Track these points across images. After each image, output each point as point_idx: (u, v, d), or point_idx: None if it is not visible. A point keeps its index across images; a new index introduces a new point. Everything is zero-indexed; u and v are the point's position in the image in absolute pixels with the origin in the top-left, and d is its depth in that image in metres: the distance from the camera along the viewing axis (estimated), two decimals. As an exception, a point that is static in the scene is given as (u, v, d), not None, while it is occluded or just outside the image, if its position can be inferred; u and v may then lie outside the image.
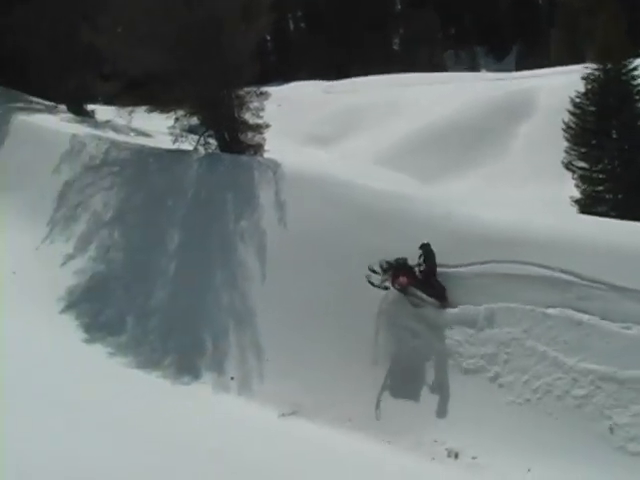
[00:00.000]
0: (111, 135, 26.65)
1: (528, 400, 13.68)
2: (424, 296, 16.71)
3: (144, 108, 26.56)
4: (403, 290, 16.85)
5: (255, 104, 24.07)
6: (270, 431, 14.53)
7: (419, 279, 16.72)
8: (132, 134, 28.68)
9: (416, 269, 16.66)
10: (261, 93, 24.31)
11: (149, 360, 17.17)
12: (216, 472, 10.53)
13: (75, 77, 31.10)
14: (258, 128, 24.14)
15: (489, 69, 55.49)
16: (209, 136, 24.18)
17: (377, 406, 15.03)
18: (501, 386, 14.13)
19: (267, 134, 24.37)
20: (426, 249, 16.57)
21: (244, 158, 22.53)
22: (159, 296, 18.64)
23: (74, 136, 25.46)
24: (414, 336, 15.84)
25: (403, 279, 16.52)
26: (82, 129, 26.86)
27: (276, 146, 24.00)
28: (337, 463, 12.87)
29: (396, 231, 17.38)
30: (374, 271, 16.55)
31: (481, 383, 14.37)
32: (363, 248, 17.21)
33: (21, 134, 27.02)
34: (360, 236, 17.67)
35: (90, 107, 34.03)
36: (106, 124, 30.07)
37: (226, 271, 18.67)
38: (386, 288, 16.83)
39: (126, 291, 18.93)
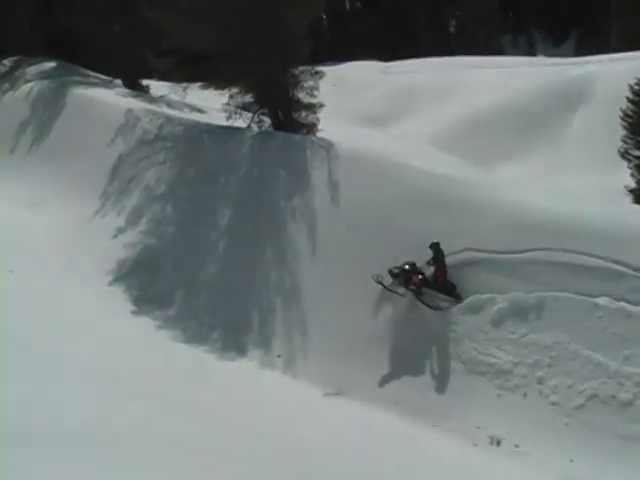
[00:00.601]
0: (165, 110, 26.74)
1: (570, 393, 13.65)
2: (438, 295, 16.82)
3: (198, 84, 26.65)
4: (417, 291, 16.91)
5: (310, 83, 23.94)
6: (314, 410, 14.55)
7: (430, 280, 16.87)
8: (186, 110, 28.77)
9: (425, 270, 16.83)
10: (316, 72, 24.18)
11: (196, 334, 17.27)
12: (255, 447, 10.54)
13: (132, 52, 31.32)
14: (312, 107, 24.04)
15: (547, 54, 54.40)
16: (263, 114, 24.17)
17: (423, 390, 14.97)
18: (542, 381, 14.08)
19: (321, 114, 24.25)
20: (436, 249, 16.75)
21: (297, 137, 22.46)
22: (208, 271, 18.71)
23: (129, 111, 25.62)
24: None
25: (416, 278, 16.74)
26: (137, 104, 26.99)
27: (330, 126, 23.84)
28: (379, 444, 12.83)
29: (448, 214, 17.25)
30: (381, 283, 16.70)
31: (528, 375, 14.27)
32: (414, 230, 17.15)
33: (78, 108, 27.25)
34: (412, 218, 17.57)
35: (145, 82, 34.23)
36: (161, 99, 30.21)
37: (275, 248, 18.68)
38: (397, 293, 16.95)
39: (176, 265, 19.02)
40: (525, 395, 14.04)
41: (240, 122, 23.96)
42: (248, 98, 24.56)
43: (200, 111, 28.79)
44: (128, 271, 19.50)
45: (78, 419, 8.07)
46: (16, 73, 33.04)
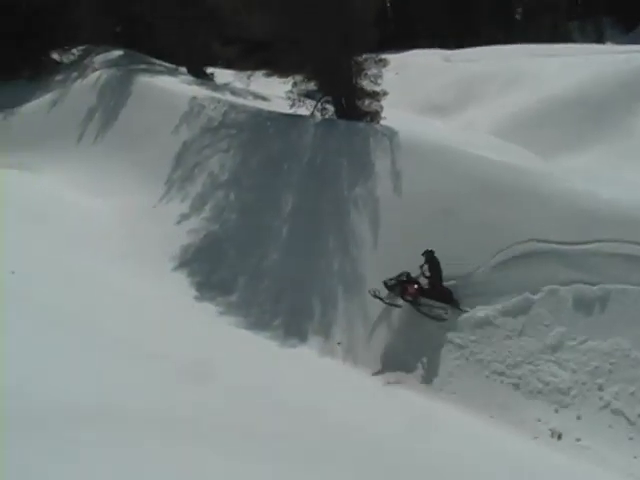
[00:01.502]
0: (229, 98, 26.88)
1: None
2: (435, 303, 16.78)
3: (262, 72, 26.76)
4: (414, 301, 16.90)
5: (373, 71, 23.85)
6: (373, 398, 14.55)
7: (426, 288, 16.93)
8: (250, 98, 28.88)
9: (421, 278, 16.94)
10: (379, 60, 24.07)
11: (258, 321, 17.38)
12: (314, 431, 10.57)
13: (197, 40, 31.55)
14: (375, 95, 23.96)
15: (617, 41, 53.11)
16: (326, 102, 24.16)
17: (482, 381, 14.87)
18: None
19: (384, 102, 24.15)
20: (429, 256, 16.79)
21: (360, 125, 22.41)
22: (271, 258, 18.79)
23: (194, 98, 25.83)
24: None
25: (412, 289, 16.77)
26: (201, 91, 27.18)
27: (393, 114, 23.74)
28: (438, 432, 12.77)
29: (512, 204, 17.10)
30: (376, 296, 16.70)
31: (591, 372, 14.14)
32: (478, 220, 17.04)
33: (143, 95, 27.57)
34: (475, 208, 17.45)
35: (210, 70, 34.47)
36: (225, 87, 30.38)
37: (338, 237, 18.68)
38: (396, 305, 17.04)
39: (238, 252, 19.15)
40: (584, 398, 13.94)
41: (303, 110, 24.00)
42: (312, 86, 24.57)
43: (264, 99, 28.89)
44: (191, 257, 19.69)
45: (141, 401, 8.18)
46: (84, 62, 33.56)
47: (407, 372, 15.57)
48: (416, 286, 16.83)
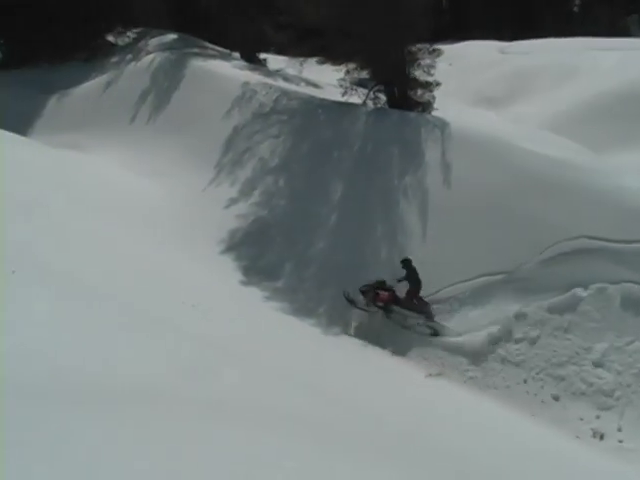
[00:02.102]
0: (281, 84, 26.92)
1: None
2: (409, 313, 17.01)
3: (315, 59, 26.74)
4: (386, 308, 17.18)
5: (427, 61, 23.76)
6: (415, 389, 14.53)
7: (401, 298, 17.13)
8: (302, 84, 28.89)
9: (396, 288, 17.02)
10: (433, 50, 23.96)
11: (303, 307, 17.41)
12: (354, 423, 10.55)
13: (251, 25, 31.63)
14: (428, 86, 23.85)
15: (676, 36, 52.17)
16: (378, 91, 24.12)
17: (525, 378, 14.77)
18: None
19: (436, 92, 24.03)
20: (407, 265, 16.98)
21: (412, 115, 22.31)
22: (318, 245, 18.81)
23: (246, 83, 25.90)
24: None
25: (384, 295, 17.03)
26: (254, 77, 27.24)
27: (445, 105, 23.61)
28: (478, 427, 12.72)
29: (562, 200, 16.96)
30: (350, 300, 17.15)
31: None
32: (527, 214, 16.96)
33: (196, 79, 27.72)
34: (524, 202, 17.36)
35: (263, 56, 34.55)
36: (277, 73, 30.43)
37: (386, 226, 18.66)
38: (369, 310, 17.33)
39: (286, 238, 19.19)
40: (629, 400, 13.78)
41: (355, 98, 23.98)
42: (364, 74, 24.52)
43: (316, 86, 28.88)
44: (239, 241, 19.76)
45: (179, 382, 8.23)
46: (139, 45, 33.84)
47: (449, 365, 15.50)
48: (387, 293, 17.03)
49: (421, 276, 16.83)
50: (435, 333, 16.48)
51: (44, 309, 8.87)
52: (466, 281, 16.80)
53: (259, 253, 19.17)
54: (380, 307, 17.21)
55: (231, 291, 17.54)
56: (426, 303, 16.89)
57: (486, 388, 14.80)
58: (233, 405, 8.06)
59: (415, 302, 16.98)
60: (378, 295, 17.09)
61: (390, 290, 17.09)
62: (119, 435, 5.64)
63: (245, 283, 18.27)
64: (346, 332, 16.87)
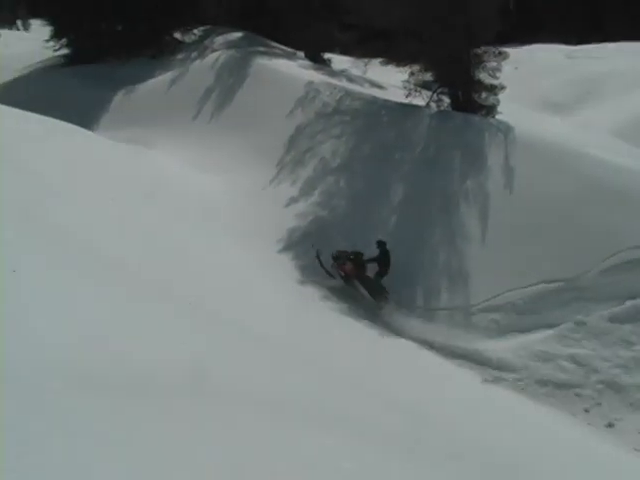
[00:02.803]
0: (345, 84, 26.91)
1: None
2: (365, 292, 17.84)
3: (379, 60, 26.71)
4: (346, 279, 18.01)
5: (492, 64, 23.52)
6: (470, 394, 14.38)
7: (366, 276, 17.83)
8: (366, 85, 28.85)
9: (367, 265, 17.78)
10: (499, 53, 23.71)
11: (359, 308, 17.44)
12: (409, 426, 10.48)
13: (316, 25, 31.70)
14: (493, 89, 23.60)
15: None
16: (442, 93, 23.97)
17: (584, 387, 14.54)
18: None
19: (501, 96, 23.80)
20: (381, 247, 17.63)
21: (476, 118, 22.14)
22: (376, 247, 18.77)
23: (309, 83, 25.96)
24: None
25: (348, 267, 17.78)
26: (318, 76, 27.30)
27: (509, 109, 23.36)
28: (534, 439, 12.52)
29: (628, 209, 16.70)
30: (318, 257, 18.21)
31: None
32: (590, 222, 16.75)
33: (260, 77, 27.87)
34: (587, 209, 17.16)
35: (327, 56, 34.60)
36: (341, 73, 30.45)
37: (445, 229, 18.54)
38: (330, 274, 18.28)
39: (345, 238, 19.13)
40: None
41: (419, 100, 23.87)
42: (428, 76, 24.41)
43: (379, 87, 28.81)
44: (298, 240, 19.76)
45: (238, 380, 8.25)
46: (205, 42, 34.20)
47: (507, 370, 15.33)
48: (352, 267, 17.78)
49: (473, 280, 16.74)
50: (380, 307, 17.43)
51: (103, 299, 8.97)
52: (524, 287, 16.62)
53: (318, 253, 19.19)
54: (341, 276, 18.09)
55: (289, 290, 17.57)
56: (385, 289, 17.65)
57: (543, 397, 14.59)
58: (291, 405, 8.05)
59: (376, 283, 17.73)
60: (344, 265, 17.88)
61: (361, 264, 17.79)
62: (188, 430, 5.66)
63: (303, 282, 18.29)
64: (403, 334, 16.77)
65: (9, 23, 71.59)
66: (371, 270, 17.90)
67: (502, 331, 16.21)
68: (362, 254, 17.80)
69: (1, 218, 10.07)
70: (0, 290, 7.35)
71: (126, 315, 8.68)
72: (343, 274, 17.98)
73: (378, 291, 17.70)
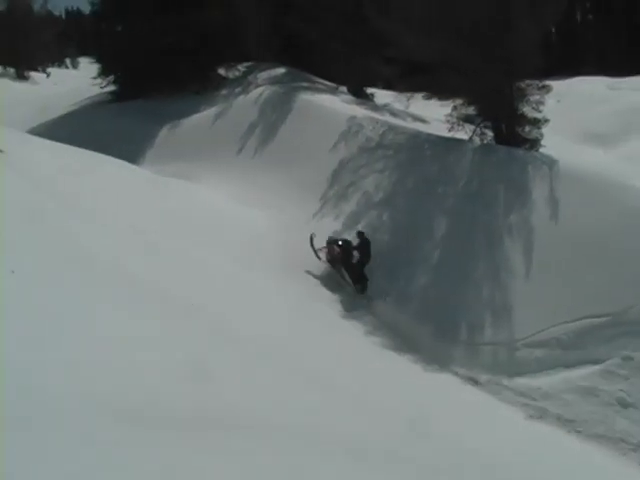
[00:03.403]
0: (388, 119, 27.08)
1: None
2: (346, 276, 19.66)
3: (422, 94, 26.83)
4: (332, 262, 19.80)
5: (535, 97, 23.53)
6: (515, 431, 14.22)
7: (352, 263, 19.41)
8: (408, 119, 29.03)
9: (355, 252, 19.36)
10: (542, 86, 23.70)
11: (403, 342, 17.31)
12: (437, 456, 10.39)
13: (358, 60, 31.97)
14: (536, 122, 23.59)
15: None
16: (485, 127, 24.00)
17: (625, 421, 14.30)
18: None
19: (544, 129, 23.75)
20: (360, 237, 19.35)
21: (519, 151, 22.10)
22: (419, 281, 18.70)
23: (352, 117, 26.15)
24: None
25: (336, 250, 19.55)
26: (361, 111, 27.50)
27: (552, 141, 23.31)
28: (582, 476, 12.36)
29: (676, 242, 16.49)
30: (311, 240, 19.95)
31: None
32: (637, 255, 16.49)
33: (303, 112, 28.14)
34: (634, 242, 16.92)
35: (370, 90, 34.84)
36: (384, 107, 30.64)
37: (489, 264, 18.43)
38: (317, 256, 20.01)
39: (388, 273, 19.14)
40: None
41: (462, 134, 23.92)
42: (471, 110, 24.47)
43: (422, 121, 28.93)
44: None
45: (280, 414, 8.25)
46: (248, 78, 34.70)
47: (552, 406, 15.13)
48: (339, 251, 19.55)
49: (517, 314, 16.64)
50: (361, 291, 19.22)
51: (144, 327, 9.02)
52: (569, 322, 16.42)
53: (361, 287, 19.21)
54: (328, 260, 19.88)
55: (332, 323, 17.59)
56: (366, 278, 19.18)
57: (589, 433, 14.36)
58: (337, 439, 8.05)
59: (359, 271, 19.31)
60: (332, 249, 19.70)
61: (349, 252, 19.40)
62: (234, 469, 5.64)
63: (346, 316, 18.30)
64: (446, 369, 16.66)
65: (58, 61, 73.39)
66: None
67: (547, 367, 15.97)
68: (351, 242, 19.52)
69: (44, 247, 10.19)
70: (37, 313, 7.40)
71: (161, 346, 8.72)
72: (330, 257, 19.78)
73: (359, 278, 19.27)
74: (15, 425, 4.86)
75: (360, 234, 19.36)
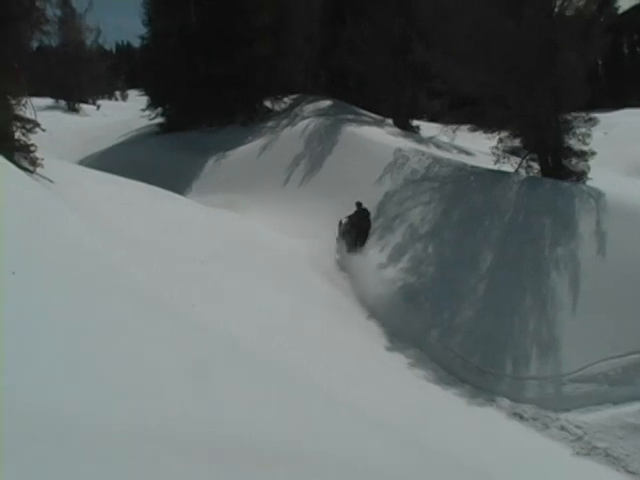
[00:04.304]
0: (434, 151, 27.13)
1: None
2: (344, 241, 22.87)
3: (467, 127, 26.84)
4: (343, 235, 23.08)
5: (582, 130, 23.39)
6: (562, 468, 14.02)
7: (355, 230, 22.69)
8: (454, 151, 29.04)
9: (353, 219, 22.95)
10: (589, 119, 23.57)
11: (447, 376, 17.22)
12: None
13: (404, 93, 32.13)
14: (583, 155, 23.42)
15: None
16: (531, 159, 23.92)
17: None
18: None
19: (591, 161, 23.59)
20: (359, 208, 22.90)
21: (565, 184, 21.94)
22: (465, 314, 18.61)
23: (398, 150, 26.25)
24: None
25: (344, 223, 23.09)
26: (406, 143, 27.60)
27: (600, 174, 23.12)
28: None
29: None
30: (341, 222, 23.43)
31: None
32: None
33: (349, 145, 28.33)
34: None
35: (415, 123, 34.93)
36: (429, 140, 30.69)
37: (535, 297, 18.26)
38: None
39: (433, 305, 19.11)
40: None
41: (508, 166, 23.87)
42: (517, 143, 24.42)
43: (468, 153, 28.92)
44: (386, 307, 19.81)
45: (322, 448, 8.21)
46: (294, 110, 35.03)
47: (599, 443, 14.90)
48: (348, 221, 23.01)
49: (564, 348, 16.49)
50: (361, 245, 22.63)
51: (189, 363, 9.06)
52: (617, 357, 16.21)
53: (405, 319, 19.14)
54: (342, 235, 23.15)
55: (376, 356, 17.57)
56: (365, 238, 22.81)
57: (638, 471, 14.13)
58: (386, 473, 8.01)
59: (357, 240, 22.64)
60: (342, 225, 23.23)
61: (351, 221, 23.03)
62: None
63: (390, 349, 18.28)
64: (492, 403, 16.51)
65: (108, 94, 74.95)
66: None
67: (594, 402, 15.75)
68: (352, 215, 23.04)
69: (83, 275, 10.29)
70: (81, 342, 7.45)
71: (210, 379, 8.74)
72: (343, 231, 23.13)
73: (354, 246, 22.47)
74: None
75: (358, 204, 22.92)
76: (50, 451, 4.86)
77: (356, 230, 22.62)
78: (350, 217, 22.97)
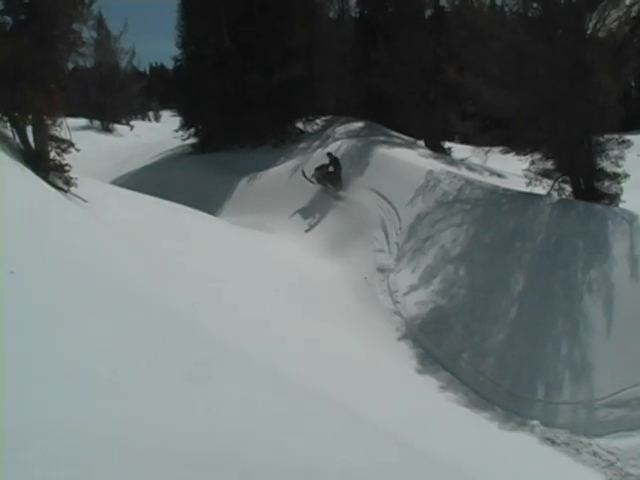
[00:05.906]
0: (465, 173, 27.10)
1: None
2: (328, 185, 27.93)
3: (499, 149, 26.80)
4: (320, 180, 28.12)
5: (615, 152, 23.27)
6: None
7: (330, 173, 28.06)
8: (486, 174, 29.00)
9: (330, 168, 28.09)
10: (622, 141, 23.44)
11: (479, 400, 17.08)
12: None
13: (436, 115, 32.18)
14: (616, 177, 23.29)
15: None
16: (563, 181, 23.81)
17: None
18: None
19: (624, 184, 23.44)
20: (330, 157, 28.60)
21: (598, 207, 21.79)
22: (496, 338, 18.48)
23: (430, 172, 26.24)
24: None
25: (323, 169, 28.15)
26: (438, 165, 27.60)
27: (632, 196, 22.94)
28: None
29: None
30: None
31: None
32: None
33: (380, 166, 28.36)
34: None
35: (447, 145, 34.95)
36: (461, 162, 30.67)
37: (568, 321, 18.11)
38: (311, 181, 28.49)
39: (464, 328, 19.01)
40: None
41: (540, 189, 23.78)
42: (549, 165, 24.33)
43: (500, 175, 28.86)
44: (417, 329, 19.76)
45: (342, 466, 8.15)
46: (326, 131, 35.18)
47: (634, 470, 14.71)
48: (325, 170, 28.22)
49: (597, 373, 16.40)
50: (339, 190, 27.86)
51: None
52: (653, 382, 16.06)
53: (436, 342, 19.06)
54: (317, 179, 28.40)
55: (407, 379, 17.51)
56: (341, 183, 28.07)
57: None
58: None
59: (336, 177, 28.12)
60: (319, 171, 28.25)
61: (327, 169, 28.21)
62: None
63: (421, 371, 18.19)
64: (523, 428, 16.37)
65: (142, 114, 75.86)
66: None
67: (627, 427, 15.55)
68: (326, 164, 28.39)
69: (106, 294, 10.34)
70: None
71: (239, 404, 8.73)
72: (320, 177, 28.15)
73: (336, 182, 27.87)
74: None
75: (329, 154, 28.71)
76: (41, 456, 4.96)
77: (332, 175, 27.80)
78: (323, 165, 28.16)
